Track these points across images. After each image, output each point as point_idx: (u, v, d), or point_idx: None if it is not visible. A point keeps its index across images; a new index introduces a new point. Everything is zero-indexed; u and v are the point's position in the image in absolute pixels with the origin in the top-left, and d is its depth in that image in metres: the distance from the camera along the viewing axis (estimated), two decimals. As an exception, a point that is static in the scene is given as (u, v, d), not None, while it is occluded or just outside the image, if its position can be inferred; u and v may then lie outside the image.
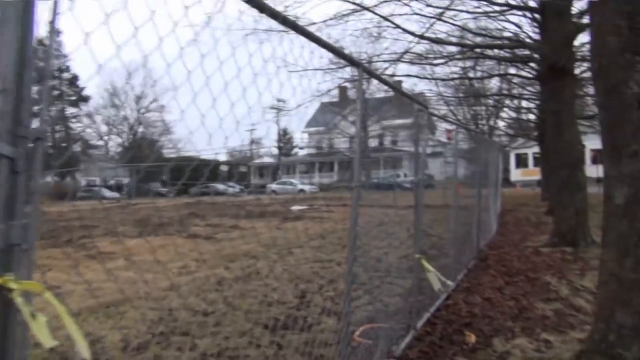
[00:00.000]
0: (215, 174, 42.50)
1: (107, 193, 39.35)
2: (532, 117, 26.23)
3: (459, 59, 11.98)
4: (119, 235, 11.54)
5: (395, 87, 5.99)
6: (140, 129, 53.67)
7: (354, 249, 3.22)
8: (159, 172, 39.79)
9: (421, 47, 12.68)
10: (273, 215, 17.26)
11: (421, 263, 4.54)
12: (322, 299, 5.65)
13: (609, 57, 3.46)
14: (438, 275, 4.55)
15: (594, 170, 18.17)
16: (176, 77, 1.75)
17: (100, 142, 53.63)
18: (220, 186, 42.27)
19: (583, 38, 12.58)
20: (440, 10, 10.24)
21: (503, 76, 15.92)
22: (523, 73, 14.34)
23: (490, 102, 29.41)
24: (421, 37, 12.06)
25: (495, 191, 12.80)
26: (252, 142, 56.83)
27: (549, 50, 9.15)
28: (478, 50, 11.38)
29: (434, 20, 10.38)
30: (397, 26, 11.72)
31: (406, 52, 12.85)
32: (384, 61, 13.96)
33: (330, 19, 10.90)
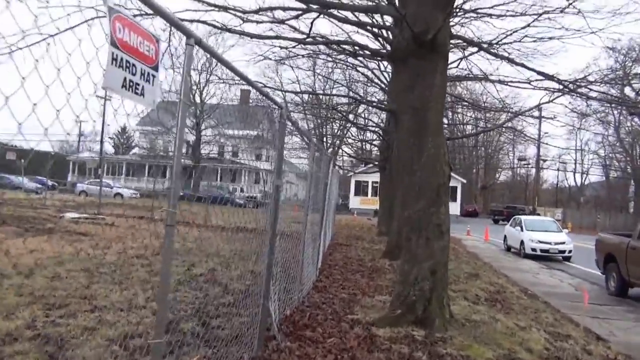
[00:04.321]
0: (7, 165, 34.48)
1: None
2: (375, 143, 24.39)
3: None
4: None
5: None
6: None
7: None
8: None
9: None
10: (15, 224, 11.78)
11: None
12: None
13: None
14: None
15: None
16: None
17: None
18: (17, 179, 34.28)
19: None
20: None
21: (352, 55, 12.48)
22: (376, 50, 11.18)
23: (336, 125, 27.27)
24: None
25: (325, 219, 9.32)
26: (81, 134, 49.66)
27: (414, 11, 5.83)
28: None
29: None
30: None
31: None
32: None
33: None
